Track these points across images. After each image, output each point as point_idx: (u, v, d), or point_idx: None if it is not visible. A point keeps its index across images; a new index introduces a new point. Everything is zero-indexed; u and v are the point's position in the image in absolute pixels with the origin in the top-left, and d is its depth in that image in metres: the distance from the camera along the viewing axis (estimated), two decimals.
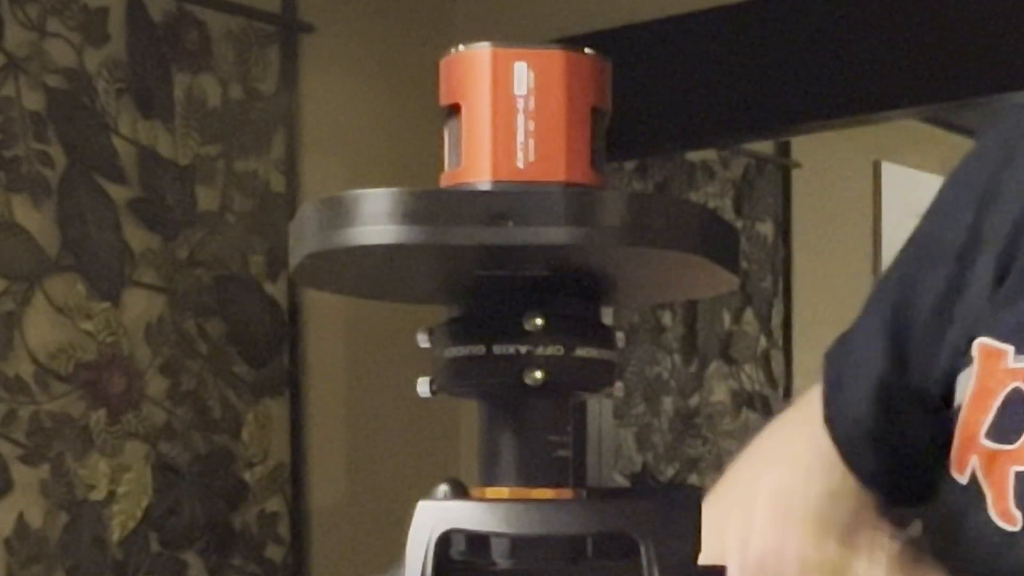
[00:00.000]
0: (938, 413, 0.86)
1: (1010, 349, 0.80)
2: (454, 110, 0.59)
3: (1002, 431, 0.80)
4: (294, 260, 0.59)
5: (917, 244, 0.92)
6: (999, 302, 0.82)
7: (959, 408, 0.84)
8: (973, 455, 0.82)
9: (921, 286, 0.88)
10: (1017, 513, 0.79)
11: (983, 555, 0.81)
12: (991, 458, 0.80)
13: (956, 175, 0.91)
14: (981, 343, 0.82)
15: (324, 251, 0.57)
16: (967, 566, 0.83)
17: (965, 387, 0.84)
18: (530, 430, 0.62)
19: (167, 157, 2.63)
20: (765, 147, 3.94)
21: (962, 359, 0.84)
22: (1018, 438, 0.79)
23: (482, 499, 0.62)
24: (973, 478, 0.82)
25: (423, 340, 0.64)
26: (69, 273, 2.47)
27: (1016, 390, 0.80)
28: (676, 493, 0.61)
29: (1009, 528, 0.79)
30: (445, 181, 0.60)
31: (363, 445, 2.99)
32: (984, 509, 0.81)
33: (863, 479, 0.91)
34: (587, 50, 0.59)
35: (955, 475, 0.84)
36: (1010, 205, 0.84)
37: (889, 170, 4.27)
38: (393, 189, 0.56)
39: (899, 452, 0.91)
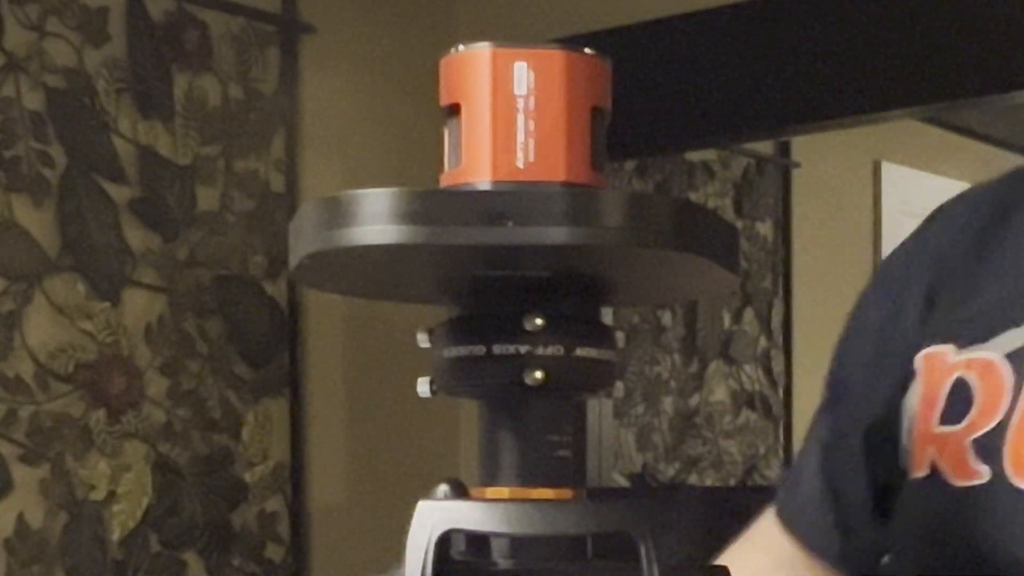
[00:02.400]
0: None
1: (950, 348, 0.90)
2: (454, 110, 0.59)
3: (951, 417, 0.89)
4: (294, 260, 0.59)
5: (841, 352, 1.04)
6: (932, 319, 0.93)
7: (911, 420, 0.92)
8: (930, 446, 0.90)
9: (851, 370, 1.00)
10: (982, 467, 0.86)
11: (956, 521, 0.87)
12: (945, 440, 0.89)
13: (874, 278, 1.03)
14: (923, 354, 0.92)
15: (324, 251, 0.57)
16: (947, 543, 0.88)
17: (913, 399, 0.93)
18: (530, 430, 0.62)
19: (167, 157, 2.63)
20: (765, 147, 3.93)
21: (906, 381, 0.93)
22: (964, 418, 0.88)
23: (482, 499, 0.62)
24: (933, 466, 0.89)
25: (423, 340, 0.64)
26: (69, 273, 2.47)
27: (959, 379, 0.89)
28: (676, 493, 0.61)
29: (975, 483, 0.86)
30: (445, 181, 0.60)
31: (363, 445, 2.99)
32: (946, 483, 0.88)
33: (833, 563, 0.99)
34: (587, 50, 0.59)
35: (916, 474, 0.91)
36: (933, 244, 0.97)
37: (889, 170, 4.27)
38: (393, 189, 0.56)
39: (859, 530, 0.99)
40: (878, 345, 0.97)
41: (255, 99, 2.79)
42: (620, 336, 0.63)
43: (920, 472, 0.91)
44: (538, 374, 0.60)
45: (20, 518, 2.40)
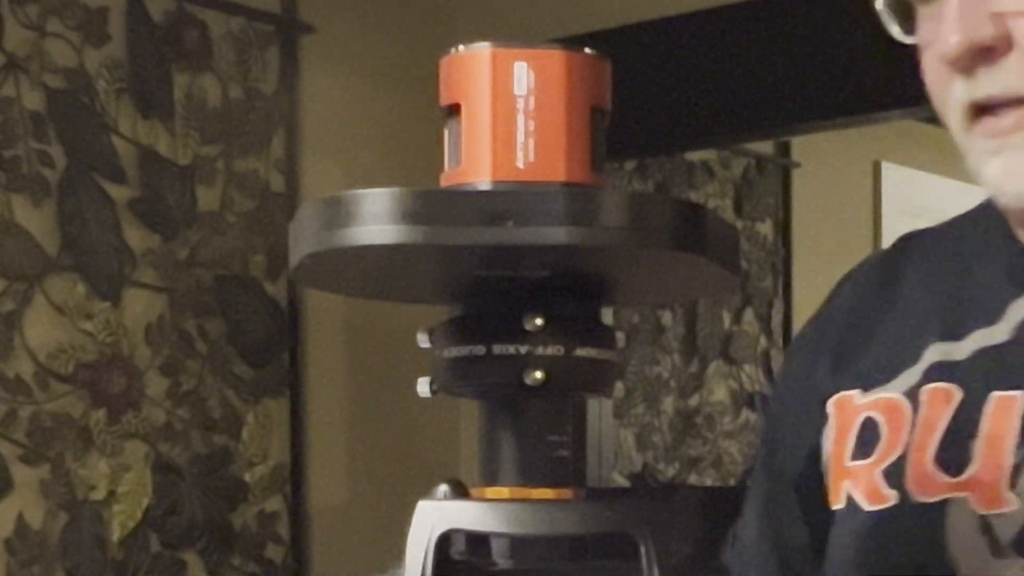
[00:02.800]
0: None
1: (856, 392, 1.02)
2: (454, 110, 0.59)
3: (862, 452, 0.99)
4: (294, 260, 0.59)
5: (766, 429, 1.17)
6: (839, 372, 1.04)
7: (827, 461, 1.03)
8: (844, 480, 1.00)
9: (778, 426, 1.11)
10: (890, 492, 0.97)
11: (872, 541, 0.97)
12: (857, 473, 0.99)
13: (793, 343, 1.19)
14: (833, 400, 1.03)
15: (324, 251, 0.57)
16: (865, 563, 0.98)
17: (828, 440, 1.03)
18: (530, 430, 0.62)
19: (167, 157, 2.63)
20: (765, 147, 3.93)
21: (822, 426, 1.03)
22: (873, 451, 0.99)
23: (482, 499, 0.62)
24: (848, 497, 0.99)
25: (423, 340, 0.64)
26: (69, 273, 2.47)
27: (866, 418, 1.00)
28: (676, 493, 0.61)
29: (886, 506, 0.97)
30: (445, 181, 0.60)
31: (363, 445, 2.98)
32: (860, 510, 0.98)
33: None
34: (587, 50, 0.59)
35: (834, 507, 1.01)
36: (838, 310, 1.09)
37: (889, 170, 4.26)
38: (393, 189, 0.56)
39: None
40: (799, 401, 1.08)
41: (255, 99, 2.79)
42: (620, 336, 0.63)
43: (838, 504, 1.01)
44: (538, 374, 0.60)
45: (20, 518, 2.40)
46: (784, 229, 4.01)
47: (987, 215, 1.00)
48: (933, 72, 0.95)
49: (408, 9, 3.07)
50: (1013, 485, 0.92)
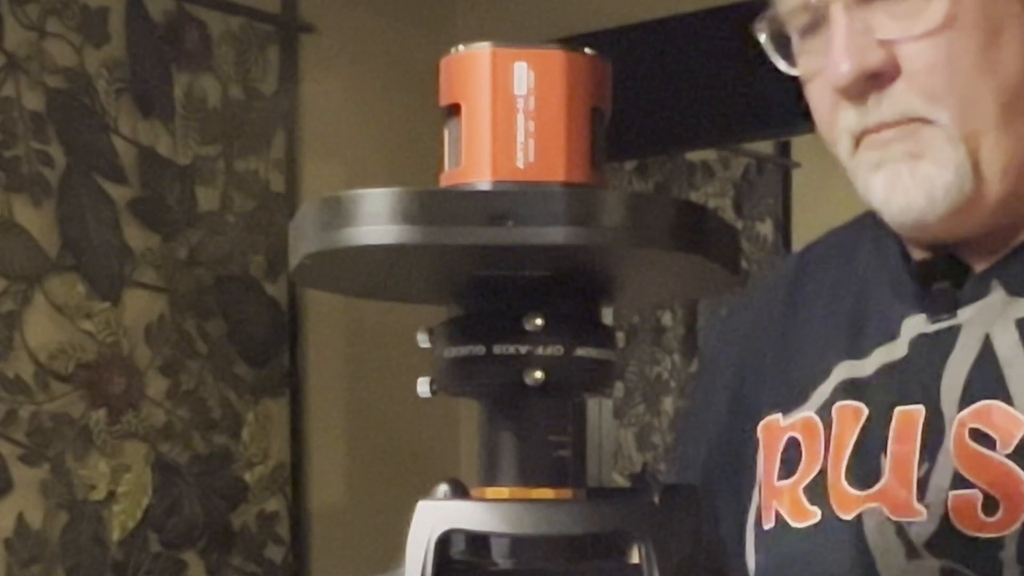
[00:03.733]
0: None
1: (779, 415, 1.05)
2: (454, 110, 0.59)
3: (787, 471, 1.03)
4: (294, 260, 0.59)
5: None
6: (763, 390, 1.07)
7: (759, 482, 1.06)
8: (773, 500, 1.03)
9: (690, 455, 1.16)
10: (813, 508, 1.00)
11: (800, 557, 1.01)
12: (783, 492, 1.02)
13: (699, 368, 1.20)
14: (761, 426, 1.06)
15: (324, 251, 0.57)
16: None
17: (760, 464, 1.06)
18: (530, 430, 0.62)
19: (167, 157, 2.63)
20: (765, 147, 3.93)
21: (753, 450, 1.06)
22: (796, 470, 1.02)
23: (482, 499, 0.62)
24: (777, 516, 1.03)
25: (423, 340, 0.64)
26: (69, 273, 2.47)
27: (790, 439, 1.04)
28: (676, 493, 0.61)
29: (810, 523, 1.00)
30: (445, 181, 0.60)
31: (363, 445, 2.99)
32: (789, 527, 1.02)
33: None
34: (587, 50, 0.59)
35: (765, 526, 1.04)
36: (738, 333, 1.14)
37: None
38: (393, 189, 0.56)
39: None
40: (711, 425, 1.13)
41: (255, 99, 2.79)
42: (620, 336, 0.63)
43: (768, 524, 1.04)
44: (538, 374, 0.60)
45: (20, 518, 2.40)
46: (784, 229, 4.01)
47: (877, 223, 1.03)
48: (820, 102, 0.98)
49: (408, 9, 3.07)
50: (921, 496, 0.96)
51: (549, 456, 0.62)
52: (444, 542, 0.59)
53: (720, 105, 2.91)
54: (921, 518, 0.95)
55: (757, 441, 1.07)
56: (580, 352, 0.61)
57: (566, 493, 0.62)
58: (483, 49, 0.59)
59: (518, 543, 0.62)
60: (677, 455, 1.23)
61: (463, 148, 0.59)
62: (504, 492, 0.62)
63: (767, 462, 1.05)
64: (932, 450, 0.96)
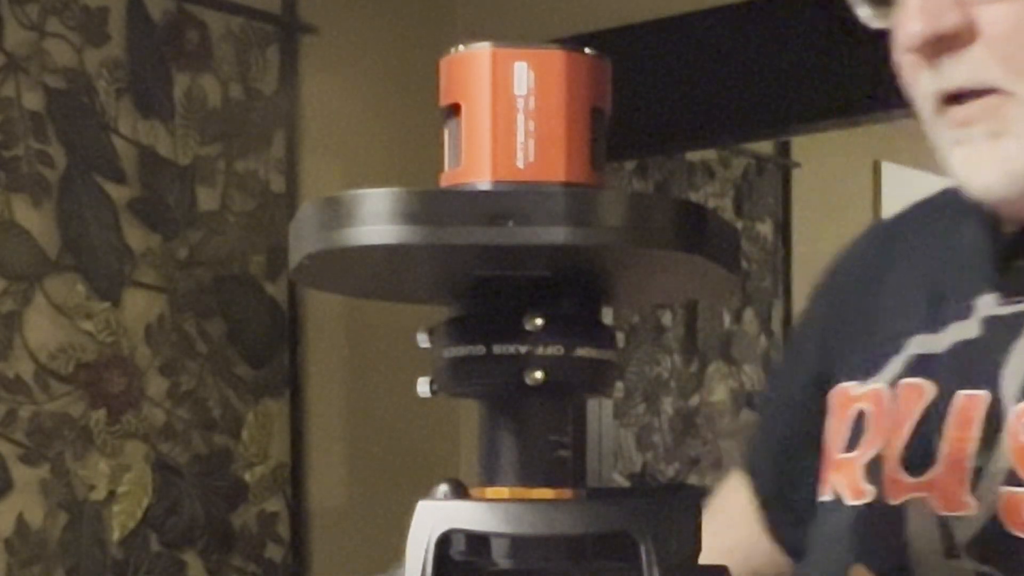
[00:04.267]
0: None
1: (853, 383, 1.01)
2: (454, 110, 0.59)
3: (852, 444, 0.99)
4: (294, 260, 0.59)
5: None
6: (834, 356, 1.05)
7: (823, 451, 1.03)
8: (832, 472, 1.00)
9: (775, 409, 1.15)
10: (869, 487, 0.96)
11: (848, 536, 0.97)
12: (843, 465, 0.99)
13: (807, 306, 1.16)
14: (834, 391, 1.03)
15: (324, 251, 0.57)
16: (842, 557, 0.98)
17: (827, 432, 1.03)
18: (530, 430, 0.62)
19: (167, 157, 2.63)
20: (765, 147, 3.93)
21: (824, 416, 1.04)
22: (858, 444, 0.98)
23: (482, 499, 0.62)
24: (834, 491, 1.00)
25: (423, 340, 0.64)
26: (69, 273, 2.47)
27: (859, 410, 1.00)
28: (676, 493, 0.61)
29: (863, 502, 0.96)
30: (445, 181, 0.60)
31: (363, 445, 2.98)
32: (843, 504, 0.98)
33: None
34: (587, 50, 0.59)
35: (822, 498, 1.01)
36: (834, 283, 1.11)
37: (889, 170, 4.27)
38: (393, 189, 0.56)
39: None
40: (803, 374, 1.10)
41: (255, 99, 2.79)
42: (620, 336, 0.63)
43: (825, 496, 1.01)
44: (538, 374, 0.60)
45: (20, 518, 2.40)
46: (784, 229, 4.01)
47: (962, 195, 0.96)
48: (901, 60, 0.92)
49: (408, 9, 3.07)
50: (974, 488, 0.91)
51: (549, 456, 0.62)
52: (444, 542, 0.59)
53: (720, 105, 2.91)
54: (969, 512, 0.90)
55: (827, 407, 1.03)
56: (580, 352, 0.61)
57: (566, 493, 0.62)
58: (483, 49, 0.59)
59: (518, 543, 0.62)
60: (760, 413, 1.21)
61: (463, 148, 0.59)
62: (504, 492, 0.62)
63: (833, 431, 1.02)
64: (990, 440, 0.91)
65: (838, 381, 1.03)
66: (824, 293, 1.12)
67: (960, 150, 0.89)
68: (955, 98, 0.89)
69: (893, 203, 4.18)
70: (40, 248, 2.43)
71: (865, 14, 0.94)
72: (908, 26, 0.88)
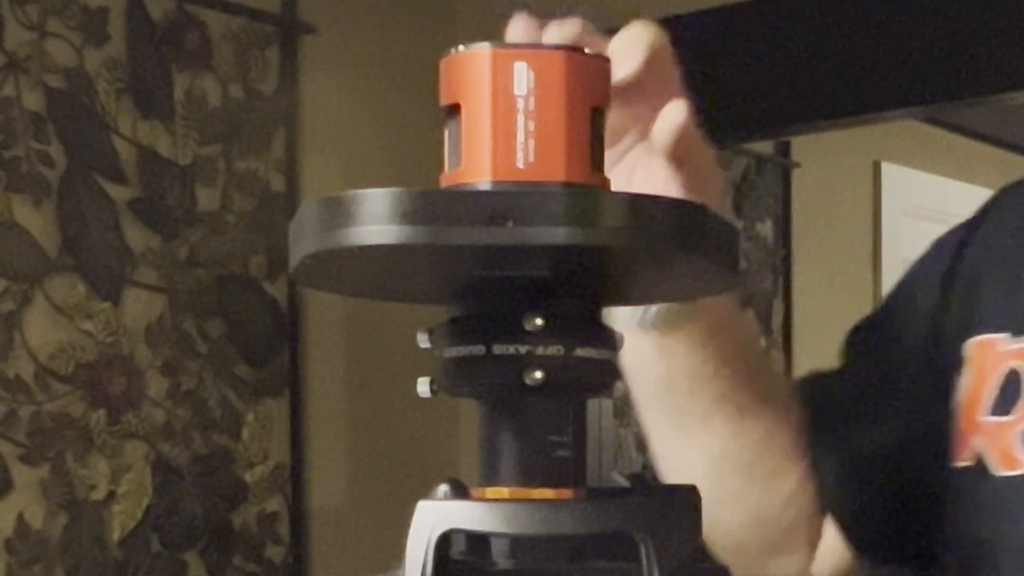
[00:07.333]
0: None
1: (1003, 336, 0.90)
2: (454, 110, 0.59)
3: (1001, 407, 0.89)
4: (294, 260, 0.59)
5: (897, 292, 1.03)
6: (980, 307, 0.93)
7: (956, 407, 0.92)
8: (974, 435, 0.90)
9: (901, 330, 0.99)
10: (1021, 457, 0.87)
11: (996, 509, 0.88)
12: (993, 430, 0.89)
13: (926, 252, 1.02)
14: (974, 341, 0.91)
15: (324, 251, 0.57)
16: (985, 531, 0.89)
17: (963, 387, 0.92)
18: (530, 430, 0.62)
19: (167, 157, 2.63)
20: (765, 147, 3.93)
21: (956, 368, 0.92)
22: (1012, 408, 0.88)
23: (482, 499, 0.62)
24: (977, 457, 0.89)
25: (423, 340, 0.64)
26: (69, 273, 2.47)
27: (1012, 370, 0.89)
28: (676, 493, 0.61)
29: (1017, 472, 0.87)
30: (445, 181, 0.60)
31: (363, 445, 2.98)
32: (990, 473, 0.88)
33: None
34: (587, 50, 0.59)
35: (957, 464, 0.91)
36: (983, 230, 0.97)
37: (889, 170, 4.26)
38: (393, 189, 0.56)
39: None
40: (925, 324, 0.97)
41: (255, 99, 2.79)
42: (620, 336, 0.63)
43: (964, 462, 0.91)
44: (538, 374, 0.60)
45: (20, 518, 2.40)
46: (784, 229, 4.01)
47: None
48: None
49: (408, 9, 3.07)
50: None
51: (549, 456, 0.62)
52: (444, 542, 0.59)
53: (720, 105, 2.90)
54: None
55: (961, 359, 0.92)
56: (580, 352, 0.61)
57: (566, 493, 0.62)
58: (483, 49, 0.59)
59: (518, 543, 0.62)
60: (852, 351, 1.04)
61: (463, 148, 0.59)
62: (504, 492, 0.62)
63: (975, 388, 0.91)
64: None
65: (979, 332, 0.92)
66: (959, 243, 0.98)
67: None
68: None
69: (893, 203, 4.18)
70: (40, 248, 2.43)
71: None
72: None
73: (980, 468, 0.89)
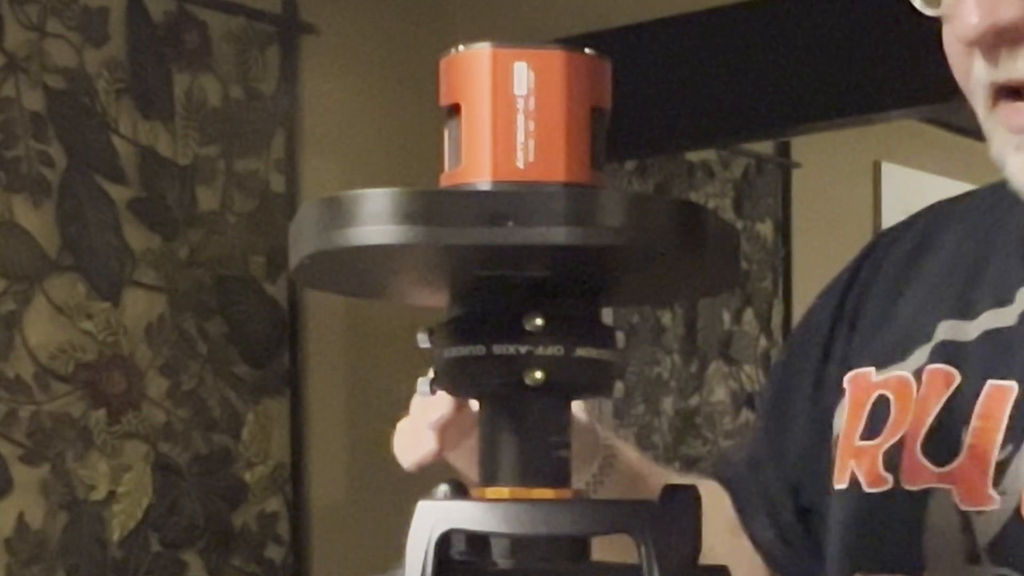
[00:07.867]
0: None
1: (872, 369, 0.99)
2: (454, 110, 0.59)
3: (871, 432, 0.97)
4: (294, 260, 0.59)
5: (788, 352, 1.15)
6: (855, 343, 1.03)
7: (837, 436, 1.00)
8: (851, 459, 0.98)
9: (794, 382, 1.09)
10: (887, 475, 0.94)
11: (866, 524, 0.96)
12: (863, 453, 0.97)
13: (816, 301, 1.12)
14: (850, 376, 1.01)
15: (324, 251, 0.57)
16: (859, 544, 0.97)
17: (841, 417, 1.00)
18: (530, 430, 0.62)
19: (167, 157, 2.63)
20: (765, 147, 3.93)
21: (836, 400, 1.01)
22: (880, 432, 0.96)
23: (482, 499, 0.62)
24: (852, 477, 0.97)
25: (423, 340, 0.64)
26: (69, 273, 2.47)
27: (880, 396, 0.97)
28: (676, 493, 0.61)
29: (882, 490, 0.94)
30: (445, 181, 0.60)
31: (363, 445, 2.98)
32: (861, 493, 0.96)
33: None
34: (587, 50, 0.59)
35: (838, 486, 0.99)
36: (863, 274, 1.07)
37: (889, 170, 4.26)
38: (393, 189, 0.56)
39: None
40: (813, 361, 1.07)
41: (255, 99, 2.79)
42: (620, 336, 0.63)
43: (841, 484, 0.98)
44: (538, 374, 0.60)
45: (20, 518, 2.40)
46: (784, 229, 4.01)
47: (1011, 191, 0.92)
48: (953, 49, 0.89)
49: (408, 9, 3.07)
50: (997, 483, 0.88)
51: (549, 456, 0.62)
52: (444, 542, 0.59)
53: (720, 105, 2.91)
54: (993, 507, 0.87)
55: (843, 391, 1.01)
56: (580, 352, 0.61)
57: (566, 493, 0.62)
58: (483, 49, 0.59)
59: (518, 543, 0.62)
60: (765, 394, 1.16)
61: (463, 148, 0.59)
62: (504, 492, 0.62)
63: (851, 417, 0.99)
64: (1018, 433, 0.88)
65: (855, 366, 1.00)
66: (844, 286, 1.08)
67: (1017, 156, 0.86)
68: (1011, 92, 0.85)
69: (893, 203, 4.18)
70: (40, 248, 2.43)
71: (917, 2, 0.89)
72: (965, 17, 0.83)
73: (854, 488, 0.97)
